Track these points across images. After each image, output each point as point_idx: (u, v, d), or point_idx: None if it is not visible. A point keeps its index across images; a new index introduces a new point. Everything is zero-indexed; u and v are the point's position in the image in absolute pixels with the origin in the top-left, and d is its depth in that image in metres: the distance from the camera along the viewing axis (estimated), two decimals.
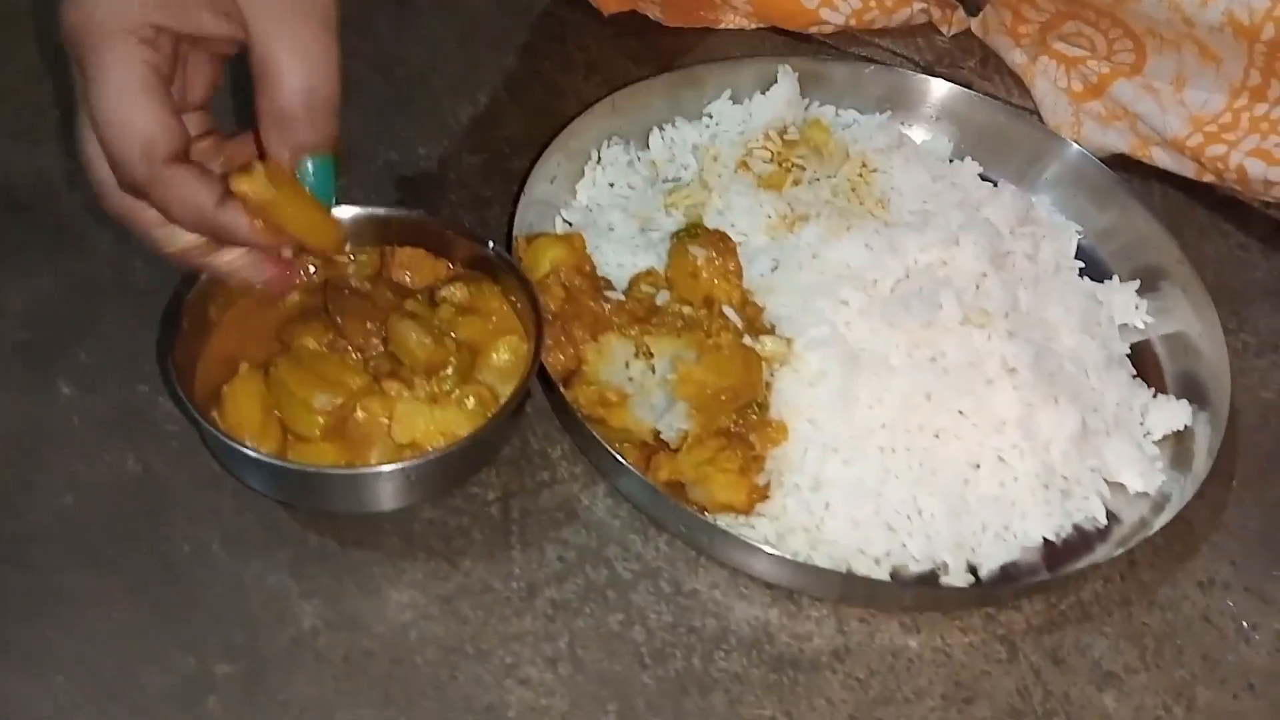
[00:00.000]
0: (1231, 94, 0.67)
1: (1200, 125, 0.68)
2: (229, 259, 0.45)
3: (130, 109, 0.41)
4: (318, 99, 0.43)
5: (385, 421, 0.48)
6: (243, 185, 0.43)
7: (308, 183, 0.44)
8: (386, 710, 0.47)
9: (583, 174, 0.65)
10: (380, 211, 0.53)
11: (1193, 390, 0.59)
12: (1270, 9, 0.61)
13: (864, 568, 0.52)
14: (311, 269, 0.52)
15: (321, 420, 0.48)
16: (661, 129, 0.67)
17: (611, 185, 0.65)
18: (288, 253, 0.47)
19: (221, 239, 0.44)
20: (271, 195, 0.43)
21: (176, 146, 0.42)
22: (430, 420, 0.48)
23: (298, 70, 0.42)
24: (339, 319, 0.50)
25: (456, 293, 0.52)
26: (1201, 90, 0.68)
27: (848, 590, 0.51)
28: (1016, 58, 0.74)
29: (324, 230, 0.46)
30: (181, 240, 0.44)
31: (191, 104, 0.47)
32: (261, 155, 0.45)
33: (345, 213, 0.51)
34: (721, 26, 0.77)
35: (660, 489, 0.51)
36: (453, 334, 0.51)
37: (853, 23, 0.76)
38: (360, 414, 0.48)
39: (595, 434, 0.51)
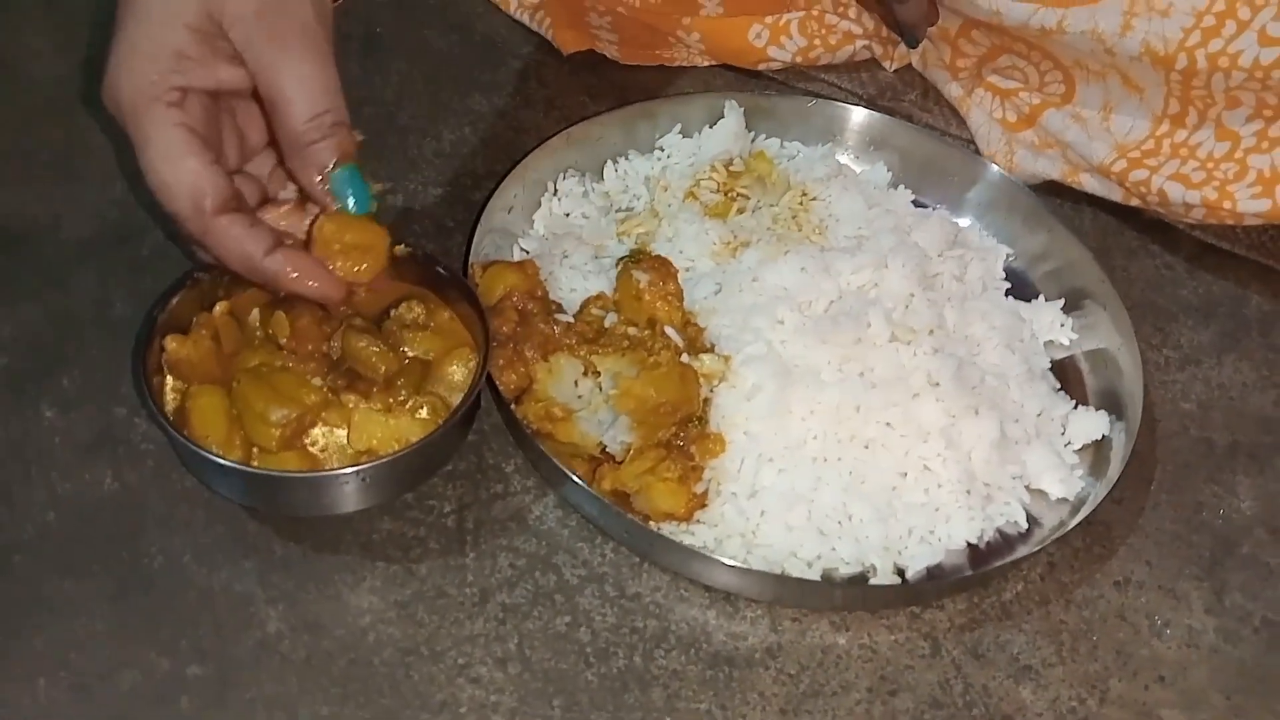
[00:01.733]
0: (1154, 121, 0.71)
1: (1125, 151, 0.72)
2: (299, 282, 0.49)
3: (173, 170, 0.45)
4: (327, 122, 0.46)
5: (342, 432, 0.51)
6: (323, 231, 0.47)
7: (342, 197, 0.48)
8: (345, 707, 0.50)
9: (540, 204, 0.68)
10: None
11: (1112, 402, 0.63)
12: (1183, 40, 0.65)
13: (797, 570, 0.55)
14: None
15: (277, 433, 0.51)
16: (615, 161, 0.71)
17: (567, 215, 0.69)
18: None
19: (268, 285, 0.48)
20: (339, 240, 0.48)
21: (222, 198, 0.46)
22: (385, 428, 0.51)
23: (303, 99, 0.46)
24: (292, 329, 0.53)
25: (410, 310, 0.56)
26: (1127, 117, 0.72)
27: (781, 591, 0.55)
28: (953, 90, 0.78)
29: (374, 240, 0.49)
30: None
31: (252, 150, 0.50)
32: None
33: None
34: (676, 64, 0.81)
35: (605, 499, 0.54)
36: (404, 348, 0.55)
37: (799, 60, 0.80)
38: (320, 425, 0.52)
39: (543, 448, 0.55)
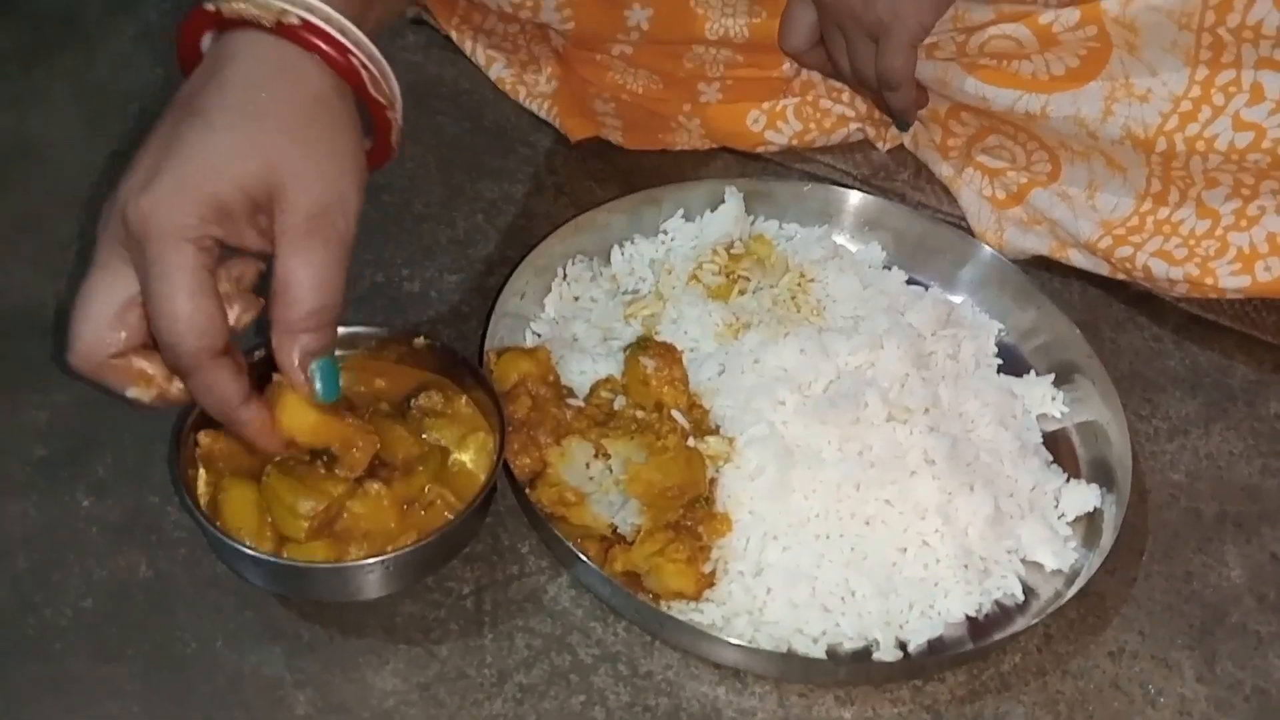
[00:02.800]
0: (1138, 199, 0.74)
1: (1110, 229, 0.75)
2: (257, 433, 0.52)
3: (191, 306, 0.47)
4: (326, 317, 0.49)
5: (364, 519, 0.54)
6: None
7: (315, 384, 0.50)
8: None
9: (550, 289, 0.72)
10: (357, 329, 0.60)
11: (1103, 474, 0.65)
12: (1161, 125, 0.69)
13: (802, 647, 0.57)
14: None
15: (305, 524, 0.54)
16: (622, 246, 0.74)
17: (576, 299, 0.72)
18: None
19: (230, 426, 0.51)
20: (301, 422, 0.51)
21: (225, 343, 0.48)
22: (405, 519, 0.54)
23: (313, 292, 0.48)
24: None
25: (430, 398, 0.58)
26: (1111, 195, 0.75)
27: (787, 668, 0.57)
28: (944, 170, 0.82)
29: (314, 434, 0.52)
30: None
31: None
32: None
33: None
34: (678, 148, 0.84)
35: (616, 580, 0.56)
36: (425, 434, 0.58)
37: (796, 142, 0.83)
38: (345, 514, 0.54)
39: (557, 530, 0.57)
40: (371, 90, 0.51)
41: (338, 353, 0.55)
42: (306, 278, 0.48)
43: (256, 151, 0.48)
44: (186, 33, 0.51)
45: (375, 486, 0.55)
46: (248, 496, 0.53)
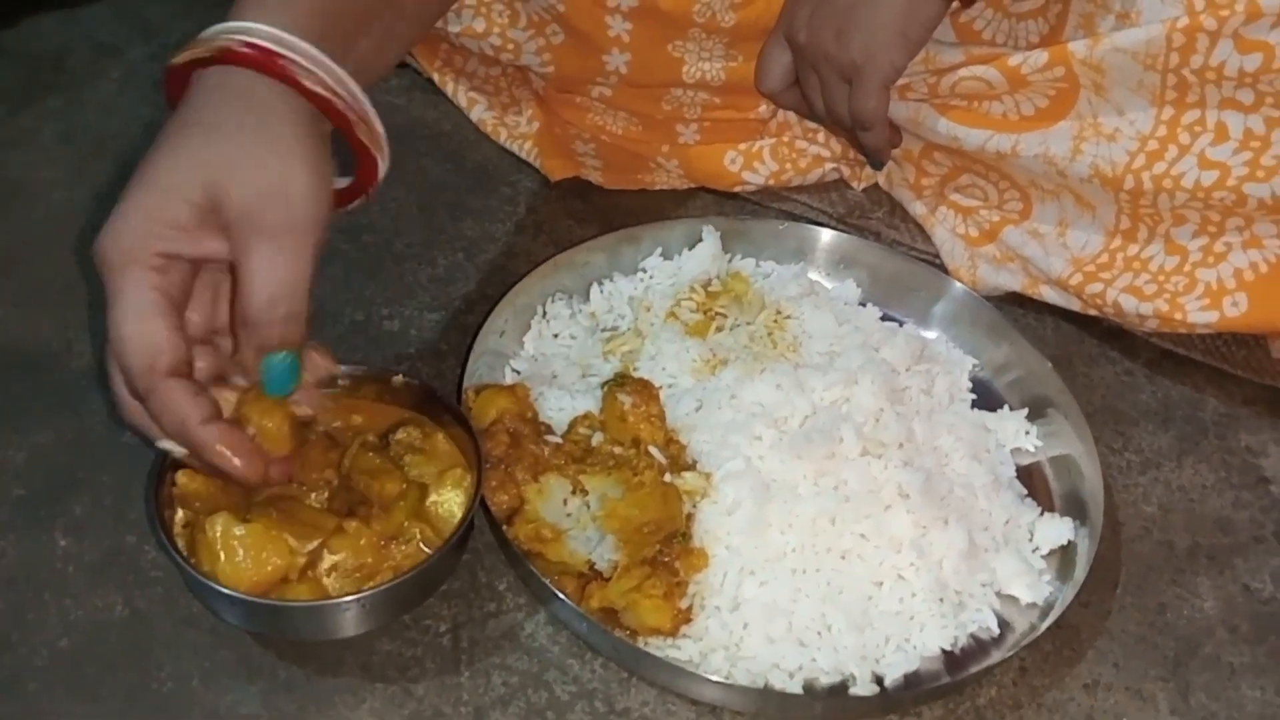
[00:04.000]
0: (1107, 236, 0.75)
1: (1081, 266, 0.76)
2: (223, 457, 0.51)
3: (139, 326, 0.48)
4: (278, 310, 0.50)
5: (341, 557, 0.54)
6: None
7: (264, 378, 0.51)
8: None
9: (529, 327, 0.72)
10: (339, 368, 0.60)
11: (1077, 507, 0.66)
12: (1129, 163, 0.70)
13: (779, 682, 0.57)
14: None
15: (302, 561, 0.54)
16: (601, 284, 0.75)
17: (555, 336, 0.72)
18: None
19: (195, 451, 0.51)
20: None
21: (175, 361, 0.49)
22: (383, 556, 0.54)
23: (265, 286, 0.49)
24: (303, 459, 0.56)
25: (408, 434, 0.59)
26: (1081, 233, 0.76)
27: (764, 704, 0.57)
28: (918, 209, 0.83)
29: (274, 438, 0.52)
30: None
31: (224, 325, 0.54)
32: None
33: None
34: (657, 187, 0.85)
35: (593, 616, 0.57)
36: (405, 470, 0.58)
37: (772, 182, 0.85)
38: (325, 552, 0.55)
39: (533, 567, 0.57)
40: (339, 107, 0.52)
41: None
42: (255, 272, 0.49)
43: (193, 160, 0.49)
44: (167, 93, 0.53)
45: (354, 524, 0.55)
46: (224, 529, 0.53)
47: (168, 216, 0.49)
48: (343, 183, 0.56)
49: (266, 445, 0.52)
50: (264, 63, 0.50)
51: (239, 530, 0.53)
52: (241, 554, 0.53)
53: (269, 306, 0.49)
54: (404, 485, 0.57)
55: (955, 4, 0.73)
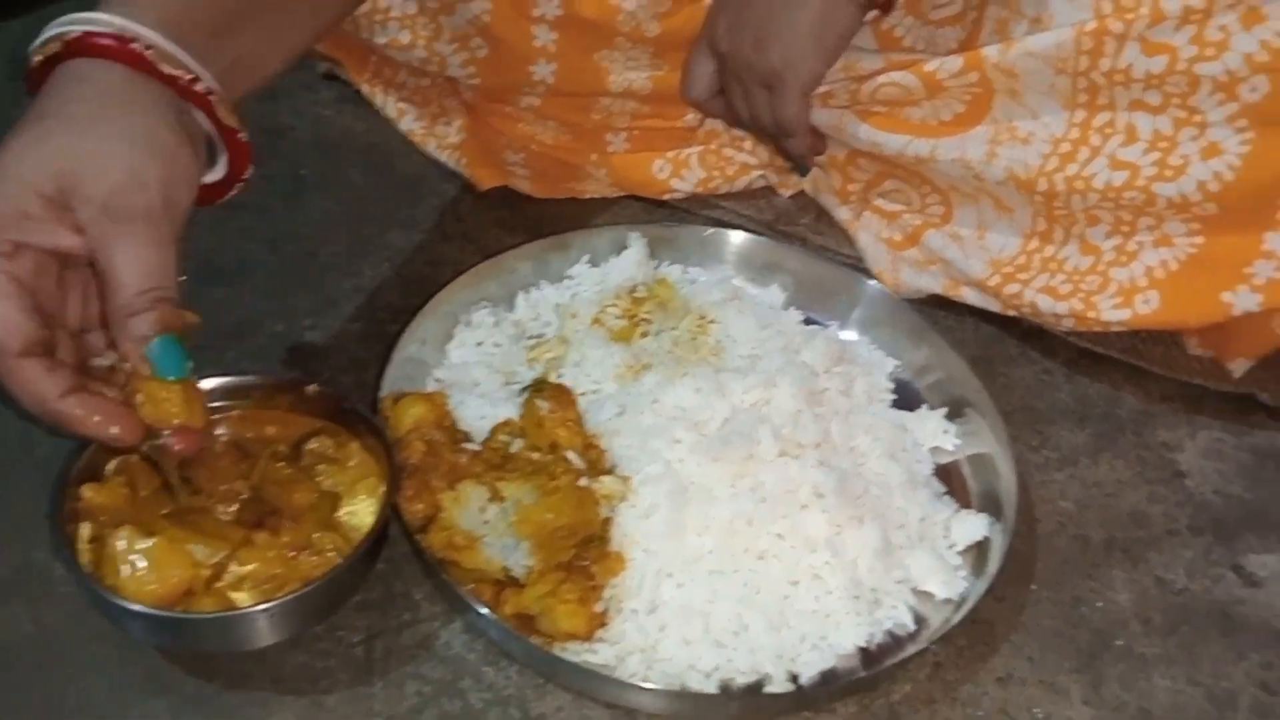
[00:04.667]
0: (1025, 238, 0.77)
1: (999, 268, 0.77)
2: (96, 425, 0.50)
3: None
4: (150, 297, 0.49)
5: (251, 568, 0.54)
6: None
7: (155, 364, 0.50)
8: None
9: (453, 336, 0.72)
10: (247, 378, 0.60)
11: (993, 505, 0.67)
12: (1042, 166, 0.71)
13: (695, 683, 0.57)
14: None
15: (206, 573, 0.54)
16: (527, 291, 0.75)
17: (479, 344, 0.72)
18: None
19: (62, 427, 0.50)
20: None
21: (27, 342, 0.48)
22: (293, 567, 0.54)
23: (130, 276, 0.49)
24: (204, 475, 0.56)
25: (321, 444, 0.59)
26: (1000, 235, 0.77)
27: (679, 706, 0.57)
28: (843, 214, 0.84)
29: (182, 408, 0.51)
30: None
31: (93, 320, 0.53)
32: None
33: (210, 382, 0.58)
34: (586, 196, 0.86)
35: (506, 623, 0.56)
36: (318, 480, 0.58)
37: (700, 189, 0.85)
38: (233, 564, 0.54)
39: (446, 576, 0.57)
40: (198, 89, 0.52)
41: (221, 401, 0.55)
42: (122, 262, 0.49)
43: (43, 152, 0.49)
44: (28, 88, 0.53)
45: (262, 535, 0.55)
46: (127, 543, 0.53)
47: (17, 206, 0.49)
48: (215, 175, 0.56)
49: (174, 418, 0.51)
50: (118, 51, 0.50)
51: (143, 543, 0.53)
52: (145, 567, 0.52)
53: (138, 295, 0.49)
54: (315, 496, 0.57)
55: (874, 12, 0.74)
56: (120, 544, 0.53)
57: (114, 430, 0.50)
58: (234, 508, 0.56)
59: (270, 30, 0.57)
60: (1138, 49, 0.65)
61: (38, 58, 0.52)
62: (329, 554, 0.55)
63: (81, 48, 0.51)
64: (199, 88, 0.52)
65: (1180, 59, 0.64)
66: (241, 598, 0.54)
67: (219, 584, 0.54)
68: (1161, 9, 0.63)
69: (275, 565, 0.55)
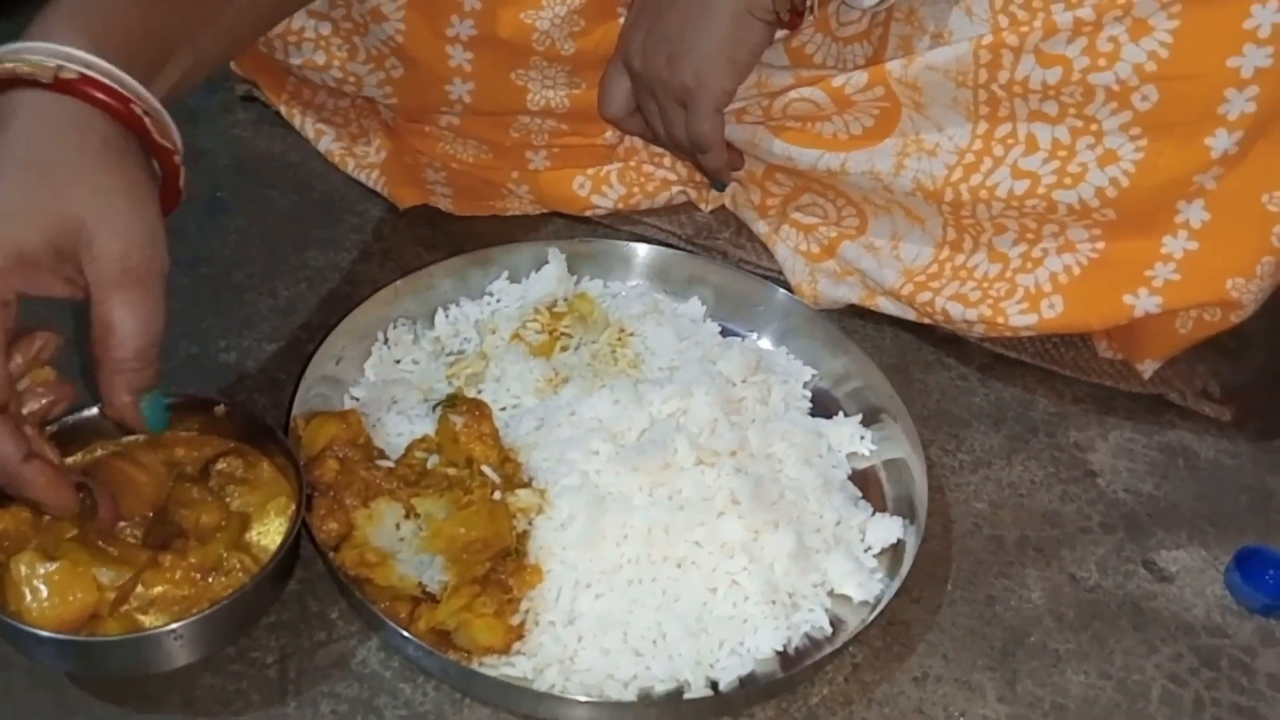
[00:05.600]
0: (937, 247, 0.78)
1: (912, 276, 0.79)
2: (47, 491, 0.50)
3: None
4: (152, 354, 0.50)
5: (159, 589, 0.53)
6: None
7: (148, 419, 0.51)
8: None
9: (370, 353, 0.72)
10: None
11: (908, 508, 0.68)
12: (947, 176, 0.73)
13: (614, 693, 0.57)
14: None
15: (112, 596, 0.53)
16: (446, 308, 0.75)
17: (397, 362, 0.72)
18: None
19: (14, 486, 0.50)
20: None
21: (3, 400, 0.48)
22: (202, 588, 0.53)
23: (137, 333, 0.49)
24: (112, 496, 0.55)
25: (229, 464, 0.58)
26: (913, 245, 0.79)
27: (597, 715, 0.57)
28: (761, 228, 0.85)
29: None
30: None
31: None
32: None
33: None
34: (509, 213, 0.86)
35: (420, 639, 0.56)
36: (226, 501, 0.57)
37: (621, 205, 0.86)
38: (139, 587, 0.53)
39: (358, 593, 0.57)
40: (157, 138, 0.52)
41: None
42: (130, 319, 0.49)
43: (56, 202, 0.48)
44: None
45: (168, 557, 0.54)
46: (30, 568, 0.52)
47: (22, 250, 0.47)
48: None
49: (149, 489, 0.54)
50: (89, 94, 0.50)
51: (45, 568, 0.52)
52: (47, 592, 0.51)
53: (145, 351, 0.49)
54: (223, 516, 0.56)
55: (783, 30, 0.76)
56: (22, 569, 0.52)
57: (60, 499, 0.51)
58: (140, 531, 0.55)
59: (200, 48, 0.56)
60: (1033, 61, 0.67)
61: None
62: (238, 575, 0.55)
63: (22, 80, 0.49)
64: (137, 111, 0.51)
65: (1074, 70, 0.66)
66: (150, 620, 0.53)
67: (126, 607, 0.53)
68: (1054, 22, 0.66)
69: (183, 587, 0.54)
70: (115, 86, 0.50)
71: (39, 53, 0.50)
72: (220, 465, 0.58)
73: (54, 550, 0.53)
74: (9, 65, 0.49)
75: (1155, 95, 0.66)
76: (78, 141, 0.50)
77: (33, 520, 0.55)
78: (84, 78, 0.50)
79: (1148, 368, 0.80)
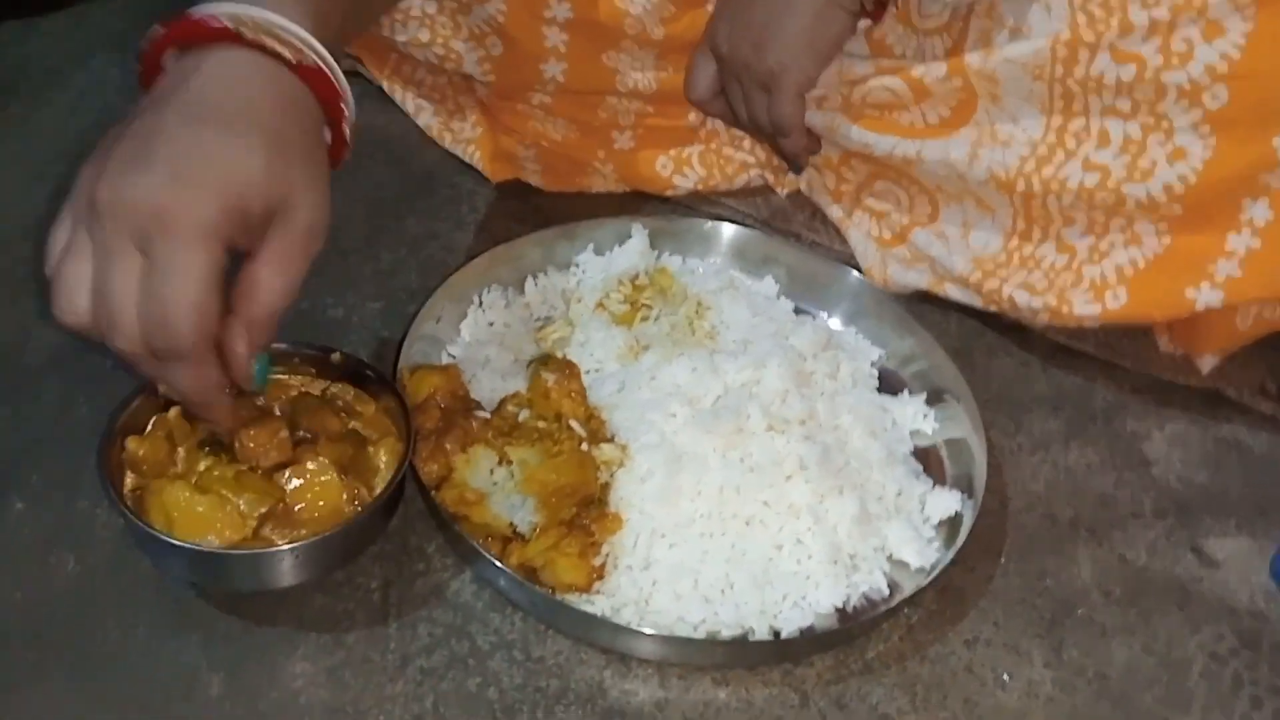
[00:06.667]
0: (1006, 236, 0.81)
1: (981, 264, 0.82)
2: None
3: (198, 299, 0.50)
4: (278, 318, 0.54)
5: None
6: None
7: (255, 374, 0.56)
8: None
9: (466, 315, 0.77)
10: (279, 345, 0.63)
11: (967, 484, 0.71)
12: (1020, 167, 0.76)
13: (683, 634, 0.62)
14: None
15: (252, 523, 0.58)
16: (535, 277, 0.80)
17: (490, 324, 0.77)
18: None
19: (204, 410, 0.57)
20: None
21: (216, 335, 0.53)
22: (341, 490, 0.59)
23: (283, 297, 0.54)
24: (247, 431, 0.60)
25: (344, 389, 0.63)
26: (983, 234, 0.82)
27: (668, 651, 0.62)
28: (835, 213, 0.89)
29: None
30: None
31: None
32: None
33: None
34: (593, 190, 0.91)
35: (513, 572, 0.61)
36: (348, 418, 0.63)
37: (701, 187, 0.90)
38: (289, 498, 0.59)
39: (459, 529, 0.62)
40: (346, 110, 0.57)
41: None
42: (281, 284, 0.54)
43: (276, 168, 0.52)
44: (154, 49, 0.55)
45: (311, 465, 0.59)
46: (179, 496, 0.58)
47: (245, 206, 0.51)
48: None
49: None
50: (295, 63, 0.54)
51: (195, 499, 0.57)
52: (197, 521, 0.57)
53: (277, 315, 0.54)
54: (344, 426, 0.61)
55: (866, 21, 0.79)
56: (175, 497, 0.57)
57: (229, 423, 0.58)
58: (273, 453, 0.60)
59: (356, 10, 0.61)
60: (1108, 58, 0.70)
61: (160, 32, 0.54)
62: (369, 477, 0.60)
63: (211, 35, 0.53)
64: (335, 83, 0.56)
65: (1148, 68, 0.69)
66: (305, 531, 0.58)
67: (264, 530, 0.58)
68: (1130, 21, 0.68)
69: (335, 493, 0.59)
70: (326, 70, 0.55)
71: (268, 25, 0.53)
72: (333, 389, 0.63)
73: (203, 484, 0.58)
74: (263, 39, 0.53)
75: (1225, 95, 0.68)
76: (273, 100, 0.53)
77: (168, 448, 0.61)
78: (314, 64, 0.54)
79: (1207, 363, 0.82)
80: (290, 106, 0.54)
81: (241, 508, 0.58)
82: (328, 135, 0.58)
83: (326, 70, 0.55)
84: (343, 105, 0.57)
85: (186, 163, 0.50)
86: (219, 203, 0.50)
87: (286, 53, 0.54)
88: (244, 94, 0.53)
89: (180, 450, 0.61)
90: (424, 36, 0.84)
